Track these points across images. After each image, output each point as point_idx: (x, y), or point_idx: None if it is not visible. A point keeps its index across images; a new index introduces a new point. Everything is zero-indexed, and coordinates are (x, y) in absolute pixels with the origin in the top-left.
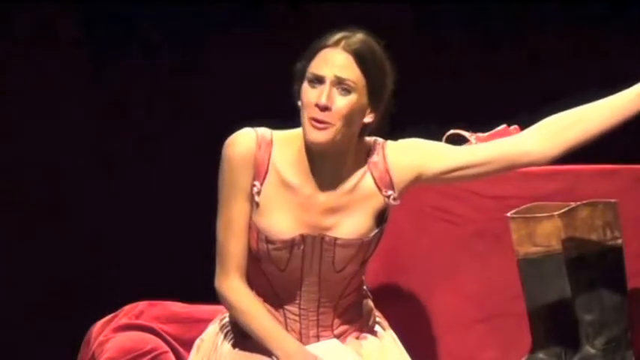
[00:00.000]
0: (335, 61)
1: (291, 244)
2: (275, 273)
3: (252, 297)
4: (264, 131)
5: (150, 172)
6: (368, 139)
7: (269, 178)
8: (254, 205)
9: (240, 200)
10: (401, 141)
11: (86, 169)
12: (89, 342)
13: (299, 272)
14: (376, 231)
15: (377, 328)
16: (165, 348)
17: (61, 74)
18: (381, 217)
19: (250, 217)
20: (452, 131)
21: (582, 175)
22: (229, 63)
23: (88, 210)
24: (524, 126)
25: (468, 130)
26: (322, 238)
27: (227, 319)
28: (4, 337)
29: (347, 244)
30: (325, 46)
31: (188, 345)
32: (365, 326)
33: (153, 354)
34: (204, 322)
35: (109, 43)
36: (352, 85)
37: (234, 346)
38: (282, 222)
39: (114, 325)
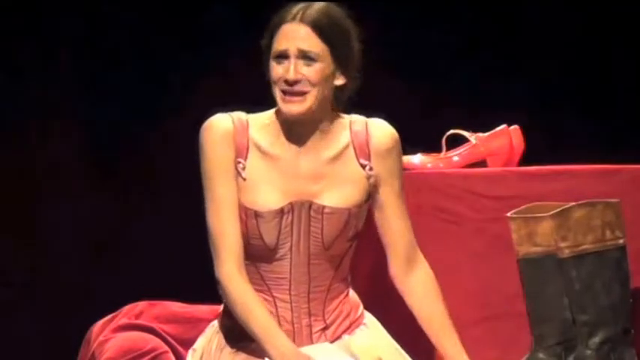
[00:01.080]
0: (296, 35)
1: (280, 214)
2: (264, 255)
3: (251, 289)
4: (238, 113)
5: (149, 172)
6: (351, 115)
7: (251, 155)
8: (240, 182)
9: (226, 181)
10: (391, 134)
11: (86, 168)
12: (89, 342)
13: (288, 252)
14: (361, 204)
15: (365, 320)
16: (165, 348)
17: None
18: (366, 194)
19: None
20: (452, 131)
21: (582, 175)
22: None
23: (88, 210)
24: (524, 126)
25: (467, 130)
26: (310, 205)
27: (217, 325)
28: (4, 336)
29: (334, 211)
30: (284, 22)
31: (188, 345)
32: (354, 317)
33: (153, 354)
34: (204, 322)
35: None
36: (315, 55)
37: (227, 351)
38: (270, 194)
39: (114, 325)
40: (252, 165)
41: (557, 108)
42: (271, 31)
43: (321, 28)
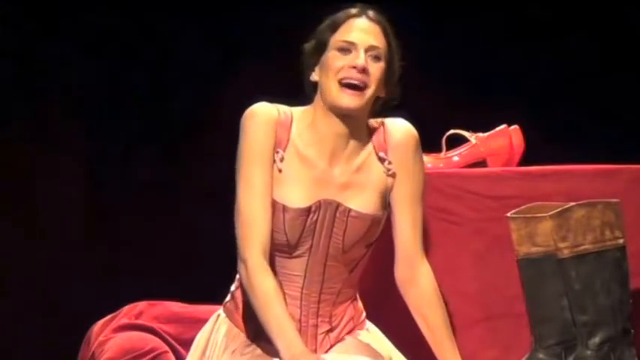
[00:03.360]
0: (366, 29)
1: (307, 213)
2: (283, 250)
3: (275, 281)
4: (283, 106)
5: (149, 172)
6: (372, 120)
7: (289, 150)
8: (275, 173)
9: (264, 168)
10: (407, 130)
11: (87, 170)
12: (89, 342)
13: (307, 251)
14: (383, 213)
15: (367, 326)
16: (165, 348)
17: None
18: (385, 201)
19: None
20: (452, 131)
21: (582, 175)
22: None
23: (88, 210)
24: (524, 126)
25: (467, 130)
26: (337, 206)
27: (223, 315)
28: (4, 337)
29: (359, 216)
30: (351, 16)
31: (188, 345)
32: (357, 322)
33: (153, 354)
34: (204, 322)
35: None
36: (381, 53)
37: (231, 346)
38: (300, 192)
39: (114, 325)
40: (288, 161)
41: (557, 108)
42: (333, 25)
43: (385, 29)
